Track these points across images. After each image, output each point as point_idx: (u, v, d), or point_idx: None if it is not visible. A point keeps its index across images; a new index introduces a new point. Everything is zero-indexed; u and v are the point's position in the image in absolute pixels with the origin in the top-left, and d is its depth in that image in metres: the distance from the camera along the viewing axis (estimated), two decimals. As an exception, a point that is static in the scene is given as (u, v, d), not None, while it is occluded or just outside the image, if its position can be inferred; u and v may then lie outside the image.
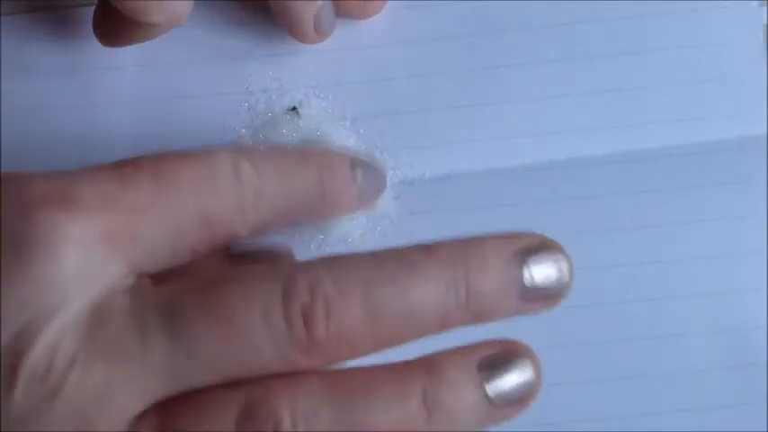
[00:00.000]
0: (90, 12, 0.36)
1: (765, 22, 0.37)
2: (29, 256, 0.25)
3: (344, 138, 0.36)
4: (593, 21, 0.37)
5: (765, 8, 0.37)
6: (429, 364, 0.26)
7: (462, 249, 0.27)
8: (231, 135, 0.37)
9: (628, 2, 0.37)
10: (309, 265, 0.26)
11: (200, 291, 0.26)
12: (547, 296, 0.27)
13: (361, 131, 0.37)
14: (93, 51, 0.37)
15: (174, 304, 0.26)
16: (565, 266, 0.27)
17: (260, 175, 0.29)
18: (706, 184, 0.37)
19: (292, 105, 0.37)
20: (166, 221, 0.27)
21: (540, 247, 0.27)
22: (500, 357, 0.27)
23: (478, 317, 0.27)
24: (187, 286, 0.27)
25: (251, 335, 0.25)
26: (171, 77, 0.38)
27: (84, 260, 0.25)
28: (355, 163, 0.31)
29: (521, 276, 0.27)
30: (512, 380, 0.27)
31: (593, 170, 0.37)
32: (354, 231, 0.36)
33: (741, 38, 0.37)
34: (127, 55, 0.37)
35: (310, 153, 0.31)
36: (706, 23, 0.37)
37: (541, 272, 0.27)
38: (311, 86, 0.37)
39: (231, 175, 0.28)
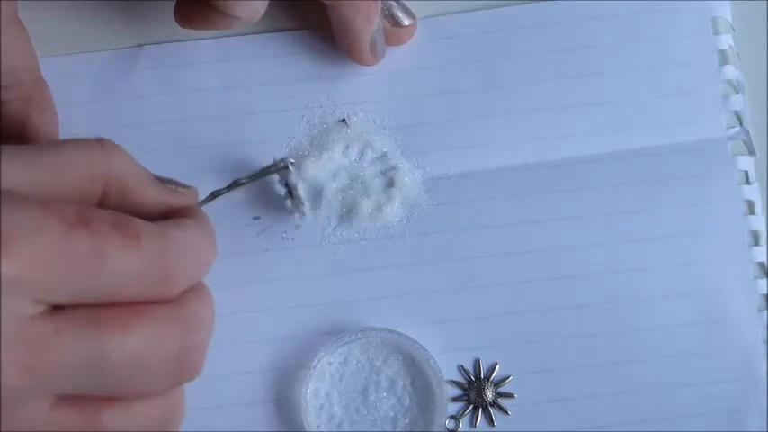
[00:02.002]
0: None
1: (719, 48, 0.41)
2: None
3: (385, 142, 0.41)
4: (581, 47, 0.41)
5: (720, 36, 0.41)
6: None
7: None
8: (293, 142, 0.41)
9: (610, 31, 0.41)
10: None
11: None
12: None
13: (398, 138, 0.41)
14: (186, 77, 0.41)
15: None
16: None
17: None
18: (673, 178, 0.40)
19: (342, 118, 0.41)
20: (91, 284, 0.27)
21: None
22: None
23: None
24: None
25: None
26: (246, 97, 0.41)
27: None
28: None
29: None
30: None
31: (584, 167, 0.40)
32: (394, 219, 0.40)
33: (700, 60, 0.41)
34: (212, 80, 0.41)
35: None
36: (672, 48, 0.41)
37: None
38: (357, 102, 0.41)
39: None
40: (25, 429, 0.28)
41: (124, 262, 0.28)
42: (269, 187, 0.40)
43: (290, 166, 0.39)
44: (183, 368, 0.30)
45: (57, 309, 0.27)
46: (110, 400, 0.29)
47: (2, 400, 0.27)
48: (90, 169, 0.30)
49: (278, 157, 0.39)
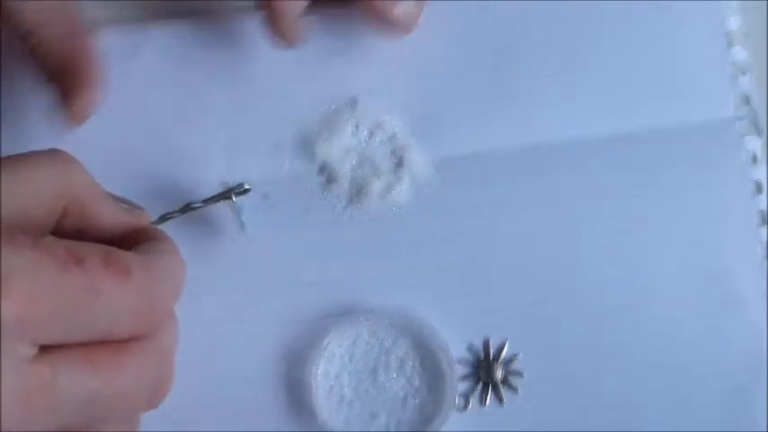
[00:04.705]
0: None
1: (728, 29, 0.41)
2: None
3: (395, 122, 0.40)
4: (591, 28, 0.41)
5: (729, 17, 0.41)
6: None
7: None
8: (303, 122, 0.40)
9: (619, 12, 0.41)
10: None
11: None
12: None
13: (407, 118, 0.41)
14: (193, 58, 0.40)
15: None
16: None
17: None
18: (681, 159, 0.40)
19: (352, 97, 0.41)
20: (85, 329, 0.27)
21: None
22: None
23: None
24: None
25: None
26: (259, 83, 0.40)
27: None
28: None
29: None
30: None
31: (592, 148, 0.40)
32: (403, 199, 0.40)
33: (709, 40, 0.41)
34: (219, 59, 0.40)
35: None
36: (681, 29, 0.41)
37: None
38: (368, 82, 0.41)
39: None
40: None
41: (116, 297, 0.28)
42: (276, 171, 0.40)
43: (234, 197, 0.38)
44: (156, 397, 0.31)
45: (49, 348, 0.27)
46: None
47: None
48: (53, 186, 0.30)
49: (235, 182, 0.39)
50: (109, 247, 0.29)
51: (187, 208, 0.38)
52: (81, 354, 0.27)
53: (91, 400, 0.27)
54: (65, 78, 0.37)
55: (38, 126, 0.40)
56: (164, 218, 0.37)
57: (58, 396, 0.27)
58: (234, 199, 0.38)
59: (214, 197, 0.38)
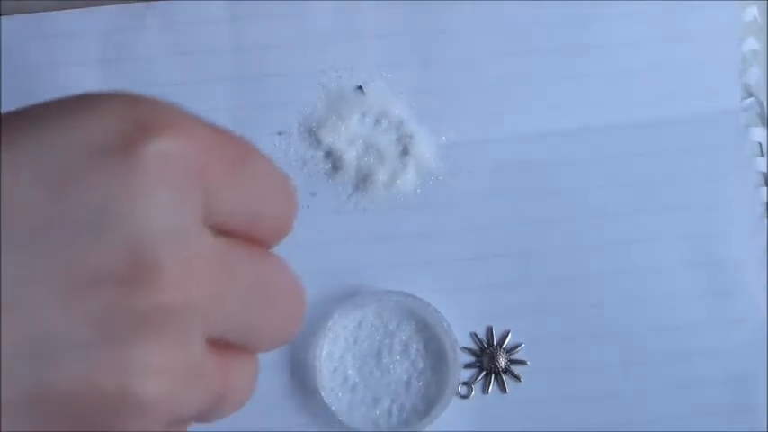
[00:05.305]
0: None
1: (744, 20, 0.41)
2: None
3: (401, 110, 0.40)
4: (603, 16, 0.40)
5: (745, 7, 0.41)
6: None
7: None
8: (308, 109, 0.40)
9: (629, 5, 0.40)
10: None
11: None
12: None
13: (413, 104, 0.40)
14: (197, 36, 0.40)
15: None
16: None
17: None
18: (687, 149, 0.40)
19: (359, 84, 0.40)
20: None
21: None
22: None
23: None
24: None
25: None
26: (261, 59, 0.40)
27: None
28: None
29: None
30: None
31: (598, 137, 0.40)
32: (409, 188, 0.40)
33: (723, 31, 0.41)
34: (225, 39, 0.40)
35: None
36: (693, 20, 0.40)
37: None
38: (374, 67, 0.40)
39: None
40: (170, 369, 0.22)
41: (261, 165, 0.24)
42: (282, 157, 0.40)
43: None
44: (294, 318, 0.26)
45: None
46: (237, 350, 0.25)
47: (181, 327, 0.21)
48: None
49: None
50: None
51: None
52: (238, 238, 0.24)
53: (251, 292, 0.24)
54: None
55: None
56: None
57: (230, 276, 0.23)
58: None
59: None
